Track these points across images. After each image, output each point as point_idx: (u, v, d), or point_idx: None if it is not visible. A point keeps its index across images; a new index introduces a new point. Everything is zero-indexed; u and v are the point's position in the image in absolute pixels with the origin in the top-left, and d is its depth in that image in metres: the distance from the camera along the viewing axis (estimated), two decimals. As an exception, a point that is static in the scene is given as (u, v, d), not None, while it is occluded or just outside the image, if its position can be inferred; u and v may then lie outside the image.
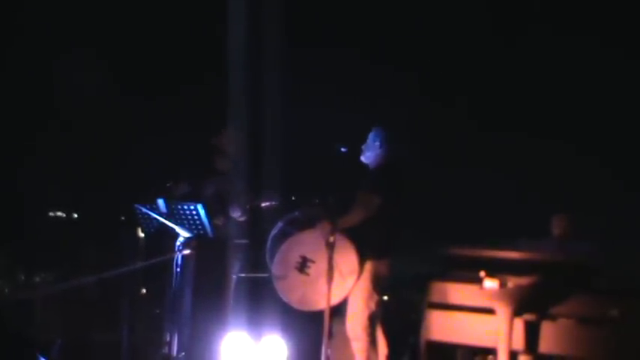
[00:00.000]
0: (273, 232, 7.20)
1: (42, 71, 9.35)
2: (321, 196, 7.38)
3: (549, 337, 6.58)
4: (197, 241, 7.24)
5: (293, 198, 7.74)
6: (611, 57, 8.74)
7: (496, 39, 9.16)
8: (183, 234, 7.25)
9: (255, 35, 9.15)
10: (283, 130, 9.11)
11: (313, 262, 6.93)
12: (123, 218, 8.69)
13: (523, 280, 6.46)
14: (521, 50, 9.12)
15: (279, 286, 6.98)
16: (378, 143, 7.05)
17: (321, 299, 6.77)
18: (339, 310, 6.99)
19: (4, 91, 9.16)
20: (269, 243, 7.17)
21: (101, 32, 9.45)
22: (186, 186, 7.83)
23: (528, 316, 6.65)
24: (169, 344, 7.33)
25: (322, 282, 6.74)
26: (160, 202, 7.23)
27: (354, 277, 6.86)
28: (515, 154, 9.10)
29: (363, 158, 7.09)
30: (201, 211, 7.06)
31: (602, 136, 8.82)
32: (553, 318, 6.65)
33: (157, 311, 8.35)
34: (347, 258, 6.83)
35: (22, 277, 8.88)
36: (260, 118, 9.08)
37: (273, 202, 7.70)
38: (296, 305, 7.01)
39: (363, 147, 7.11)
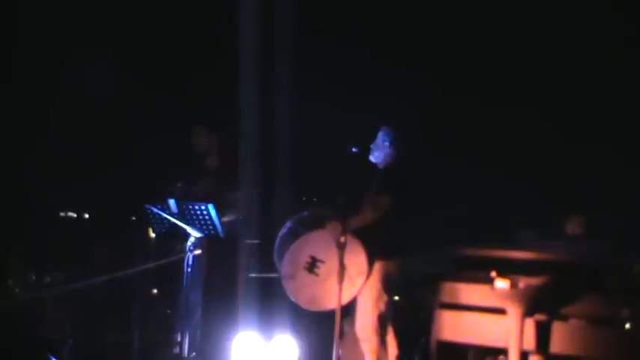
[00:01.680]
0: (282, 231, 7.19)
1: (50, 69, 9.36)
2: (331, 196, 7.38)
3: (560, 338, 6.57)
4: (208, 241, 7.24)
5: (303, 198, 7.72)
6: (625, 55, 8.73)
7: (510, 36, 9.14)
8: (194, 234, 7.25)
9: (266, 32, 9.14)
10: (294, 129, 9.10)
11: (323, 262, 6.92)
12: (134, 218, 8.69)
13: (534, 280, 6.45)
14: (535, 45, 9.10)
15: (288, 287, 6.97)
16: (387, 143, 7.03)
17: (330, 299, 6.77)
18: (349, 311, 6.99)
19: (13, 90, 9.17)
20: (277, 243, 7.16)
21: (109, 29, 9.45)
22: (181, 185, 7.83)
23: (539, 317, 6.63)
24: (180, 344, 7.33)
25: (331, 282, 6.73)
26: (171, 202, 7.23)
27: (363, 277, 6.85)
28: (527, 153, 9.09)
29: (372, 158, 7.08)
30: (212, 211, 7.06)
31: (616, 136, 8.80)
32: (564, 318, 6.64)
33: (168, 311, 8.36)
34: (356, 258, 6.82)
35: (33, 278, 8.90)
36: (271, 117, 9.08)
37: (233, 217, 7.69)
38: (305, 305, 7.01)
39: (372, 146, 7.09)
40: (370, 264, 6.86)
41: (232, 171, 7.87)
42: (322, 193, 8.33)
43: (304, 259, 6.95)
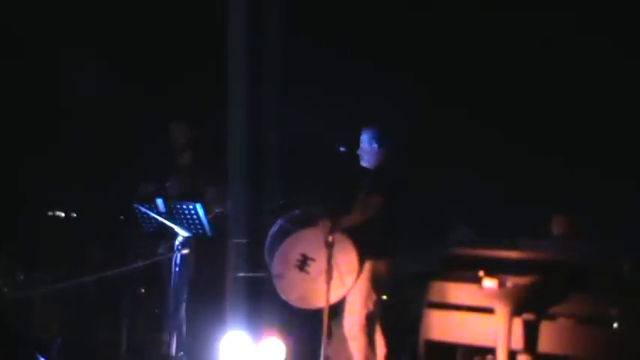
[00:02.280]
0: (273, 229, 7.19)
1: (42, 69, 9.34)
2: (320, 195, 7.38)
3: (548, 337, 6.57)
4: (196, 240, 7.24)
5: (294, 197, 7.72)
6: (612, 58, 8.74)
7: (492, 41, 9.15)
8: (182, 233, 7.24)
9: (255, 31, 9.13)
10: (283, 128, 9.09)
11: (313, 260, 6.92)
12: (122, 217, 8.67)
13: (522, 280, 6.46)
14: (517, 48, 9.11)
15: (279, 285, 6.97)
16: (375, 145, 7.02)
17: (320, 298, 6.77)
18: (337, 310, 6.98)
19: (6, 92, 9.16)
20: (268, 240, 7.16)
21: (100, 28, 9.43)
22: (152, 185, 7.81)
23: (527, 316, 6.64)
24: (169, 344, 7.32)
25: (322, 280, 6.74)
26: (159, 201, 7.22)
27: (354, 276, 6.85)
28: (514, 153, 9.09)
29: (362, 163, 7.07)
30: (200, 211, 7.06)
31: (603, 136, 8.82)
32: (552, 318, 6.65)
33: (157, 311, 8.35)
34: (347, 257, 6.82)
35: (22, 277, 8.87)
36: (260, 116, 9.07)
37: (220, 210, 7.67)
38: (295, 303, 7.00)
39: (359, 152, 7.08)
40: (361, 263, 6.86)
41: (206, 168, 7.87)
42: (311, 192, 8.33)
43: (295, 256, 6.95)
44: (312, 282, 6.89)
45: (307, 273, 6.92)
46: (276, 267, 6.98)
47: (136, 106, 9.41)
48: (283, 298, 6.99)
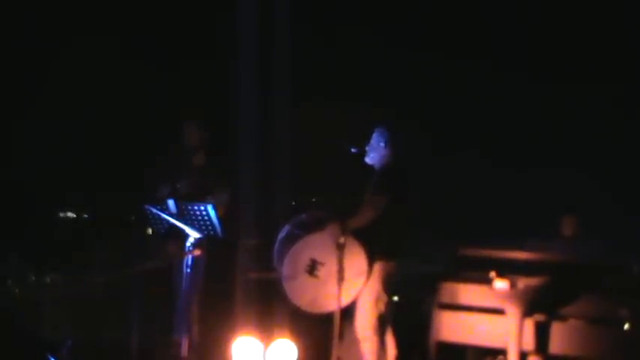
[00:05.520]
0: (281, 235, 7.17)
1: (47, 66, 9.37)
2: (330, 197, 7.38)
3: (559, 338, 6.60)
4: (207, 242, 7.24)
5: (313, 199, 7.70)
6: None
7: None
8: (193, 234, 7.24)
9: (264, 30, 9.14)
10: (293, 129, 9.10)
11: (322, 264, 6.91)
12: (133, 218, 8.68)
13: (533, 281, 6.48)
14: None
15: (289, 290, 6.95)
16: (382, 144, 7.03)
17: (331, 301, 6.77)
18: (348, 312, 6.98)
19: (11, 89, 9.18)
20: (276, 246, 7.15)
21: (114, 26, 9.48)
22: (166, 187, 7.81)
23: (538, 317, 6.66)
24: (179, 345, 7.32)
25: (332, 284, 6.73)
26: (170, 202, 7.21)
27: (363, 278, 6.85)
28: (525, 153, 9.11)
29: (367, 159, 7.07)
30: (212, 212, 7.06)
31: (611, 135, 8.84)
32: (563, 318, 6.67)
33: (167, 312, 8.35)
34: (356, 259, 6.82)
35: (33, 278, 8.89)
36: (270, 117, 9.08)
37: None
38: (306, 308, 6.99)
39: (367, 148, 7.09)
40: (370, 265, 6.86)
41: (218, 168, 7.87)
42: (321, 193, 8.34)
43: (304, 261, 6.93)
44: (323, 286, 6.88)
45: (317, 277, 6.91)
46: (285, 272, 6.97)
47: (147, 106, 9.42)
48: (294, 303, 6.98)
